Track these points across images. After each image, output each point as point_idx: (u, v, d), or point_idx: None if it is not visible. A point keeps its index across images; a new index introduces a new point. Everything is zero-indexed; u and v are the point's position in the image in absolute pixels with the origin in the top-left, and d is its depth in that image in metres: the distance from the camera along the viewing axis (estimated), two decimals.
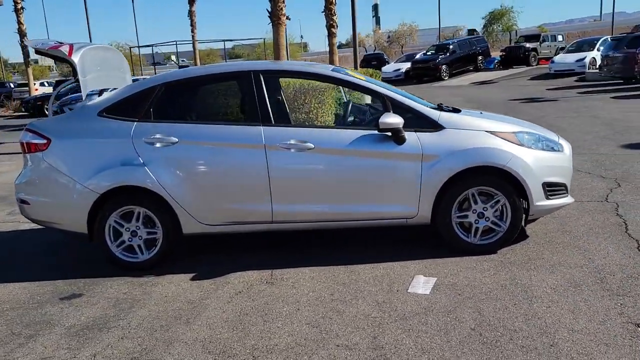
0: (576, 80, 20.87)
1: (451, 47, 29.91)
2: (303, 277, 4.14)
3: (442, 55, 29.17)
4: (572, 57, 23.57)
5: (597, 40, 24.88)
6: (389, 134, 4.21)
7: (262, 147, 4.26)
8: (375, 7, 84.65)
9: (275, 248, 4.83)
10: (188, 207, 4.34)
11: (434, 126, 4.28)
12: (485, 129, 4.32)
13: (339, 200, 4.33)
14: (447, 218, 4.31)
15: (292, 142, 4.24)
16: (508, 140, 4.29)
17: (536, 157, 4.30)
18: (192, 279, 4.26)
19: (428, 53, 30.94)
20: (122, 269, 4.47)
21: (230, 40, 62.09)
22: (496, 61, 31.26)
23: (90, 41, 25.43)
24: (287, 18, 13.48)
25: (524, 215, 4.35)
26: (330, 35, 20.18)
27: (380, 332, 3.25)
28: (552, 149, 4.45)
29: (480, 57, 31.31)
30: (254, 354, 3.10)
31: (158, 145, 4.32)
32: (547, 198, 4.33)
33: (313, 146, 4.23)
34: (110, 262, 4.54)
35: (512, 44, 35.08)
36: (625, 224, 4.76)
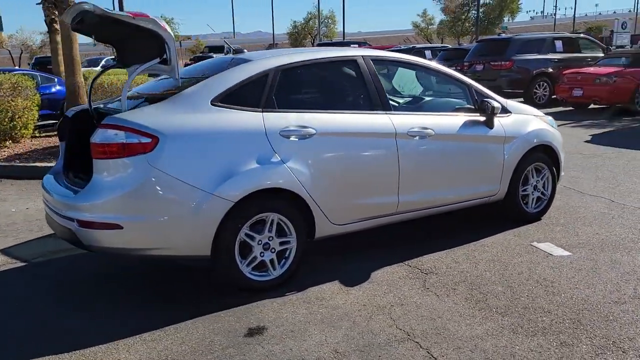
0: None
1: None
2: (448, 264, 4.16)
3: None
4: None
5: None
6: (483, 118, 4.56)
7: (393, 136, 4.09)
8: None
9: (366, 247, 4.57)
10: (324, 206, 3.84)
11: (506, 112, 4.80)
12: (533, 114, 5.06)
13: (448, 185, 4.45)
14: (516, 192, 4.88)
15: (416, 129, 4.19)
16: (546, 122, 5.12)
17: (557, 134, 5.22)
18: (344, 284, 3.80)
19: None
20: (250, 292, 3.65)
21: None
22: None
23: None
24: None
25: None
26: (52, 32, 17.17)
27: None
28: (554, 127, 5.46)
29: None
30: None
31: (293, 138, 3.70)
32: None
33: (434, 132, 4.27)
34: (238, 286, 3.65)
35: (200, 54, 37.19)
36: None
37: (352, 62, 4.17)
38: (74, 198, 3.40)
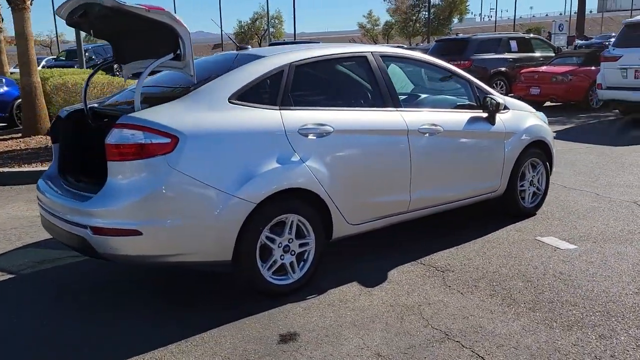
0: None
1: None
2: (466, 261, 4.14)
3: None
4: None
5: None
6: (485, 115, 4.58)
7: (405, 133, 4.03)
8: None
9: (383, 247, 4.49)
10: (341, 206, 3.74)
11: (504, 107, 4.83)
12: (528, 110, 5.12)
13: (455, 182, 4.44)
14: (515, 187, 4.92)
15: (426, 126, 4.16)
16: (539, 118, 5.19)
17: (549, 130, 5.30)
18: (364, 285, 3.71)
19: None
20: (270, 297, 3.51)
21: None
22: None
23: None
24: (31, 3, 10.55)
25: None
26: None
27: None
28: (545, 123, 5.54)
29: (115, 65, 30.46)
30: None
31: (312, 136, 3.58)
32: None
33: (442, 129, 4.24)
34: (258, 291, 3.50)
35: None
36: None
37: (362, 58, 4.08)
38: (86, 203, 3.17)
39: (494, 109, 4.51)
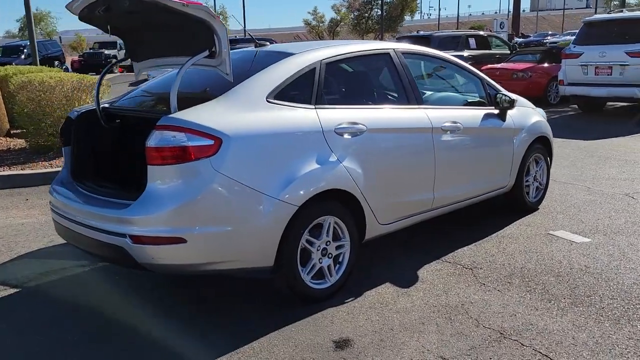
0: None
1: None
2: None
3: None
4: None
5: None
6: (497, 111, 4.61)
7: (430, 131, 4.00)
8: None
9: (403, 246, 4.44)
10: (374, 206, 3.67)
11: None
12: (531, 107, 5.20)
13: (473, 178, 4.45)
14: (522, 183, 4.99)
15: (448, 123, 4.14)
16: (540, 114, 5.28)
17: (548, 125, 5.40)
18: (397, 286, 3.65)
19: None
20: (309, 303, 3.40)
21: None
22: (64, 67, 29.98)
23: None
24: None
25: None
26: None
27: None
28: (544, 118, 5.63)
29: (56, 62, 29.42)
30: None
31: (347, 136, 3.49)
32: None
33: (462, 126, 4.23)
34: (299, 297, 3.38)
35: (89, 50, 35.26)
36: None
37: (386, 55, 4.02)
38: (125, 211, 2.95)
39: (507, 105, 4.55)
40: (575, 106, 12.44)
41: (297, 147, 3.26)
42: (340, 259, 3.56)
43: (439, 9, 74.55)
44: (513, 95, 4.65)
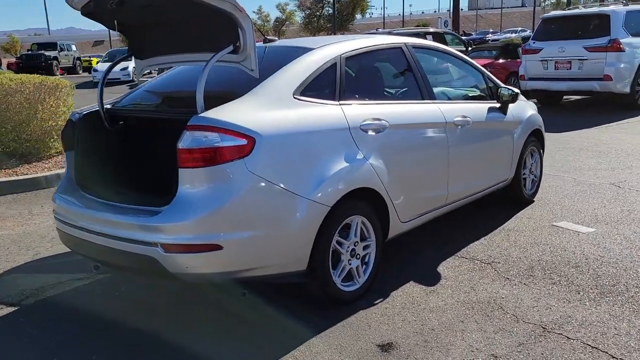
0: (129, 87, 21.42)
1: None
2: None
3: None
4: (115, 67, 24.13)
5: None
6: (498, 105, 4.61)
7: (444, 125, 3.95)
8: None
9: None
10: (397, 203, 3.58)
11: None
12: (525, 100, 5.24)
13: (481, 173, 4.44)
14: (520, 176, 5.02)
15: (459, 118, 4.10)
16: (533, 107, 5.34)
17: (541, 118, 5.47)
18: (422, 284, 3.58)
19: None
20: (339, 305, 3.28)
21: None
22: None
23: None
24: None
25: None
26: None
27: None
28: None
29: None
30: None
31: (371, 132, 3.38)
32: None
33: (471, 121, 4.20)
34: (331, 299, 3.25)
35: (28, 52, 34.04)
36: None
37: (399, 49, 3.93)
38: (155, 218, 2.74)
39: (510, 99, 4.56)
40: (535, 100, 12.78)
41: (326, 145, 3.13)
42: (366, 260, 3.46)
43: (384, 8, 75.29)
44: (515, 89, 4.66)
